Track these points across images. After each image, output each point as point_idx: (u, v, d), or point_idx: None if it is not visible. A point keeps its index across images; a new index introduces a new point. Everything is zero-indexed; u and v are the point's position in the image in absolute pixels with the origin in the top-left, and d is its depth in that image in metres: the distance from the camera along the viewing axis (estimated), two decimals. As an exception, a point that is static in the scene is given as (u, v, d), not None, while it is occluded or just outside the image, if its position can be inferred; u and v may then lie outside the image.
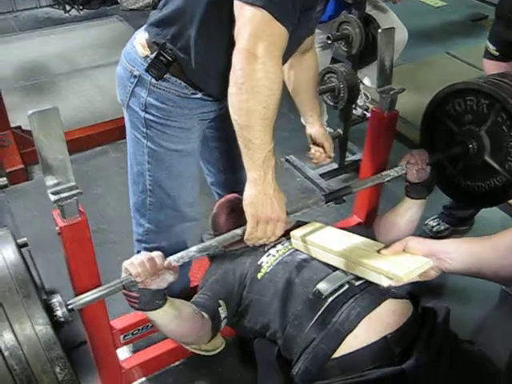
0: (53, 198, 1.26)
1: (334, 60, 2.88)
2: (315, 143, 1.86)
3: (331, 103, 2.65)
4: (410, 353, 1.28)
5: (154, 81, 1.47)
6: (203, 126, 1.63)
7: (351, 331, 1.31)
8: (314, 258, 1.52)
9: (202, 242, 1.85)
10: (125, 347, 1.91)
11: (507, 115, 1.61)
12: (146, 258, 1.19)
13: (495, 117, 1.65)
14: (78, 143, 3.02)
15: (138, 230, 1.75)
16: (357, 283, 1.41)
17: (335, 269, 1.46)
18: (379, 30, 1.75)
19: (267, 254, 1.58)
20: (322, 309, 1.37)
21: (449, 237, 2.53)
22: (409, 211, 1.74)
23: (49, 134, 1.23)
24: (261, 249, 1.61)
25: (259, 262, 1.57)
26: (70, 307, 1.16)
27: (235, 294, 1.56)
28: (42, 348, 1.01)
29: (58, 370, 1.02)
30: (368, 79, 2.93)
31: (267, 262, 1.55)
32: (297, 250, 1.58)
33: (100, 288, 1.20)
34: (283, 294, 1.45)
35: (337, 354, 1.31)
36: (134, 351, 1.94)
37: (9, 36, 4.65)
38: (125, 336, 1.68)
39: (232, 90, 1.24)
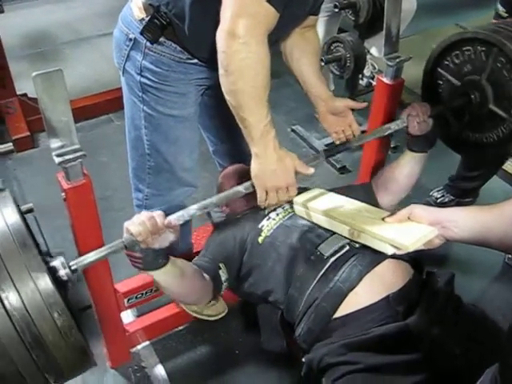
0: (57, 160, 1.27)
1: (340, 30, 2.87)
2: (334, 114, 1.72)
3: (337, 73, 2.63)
4: (413, 311, 1.29)
5: (148, 44, 1.47)
6: (200, 91, 1.62)
7: (352, 289, 1.33)
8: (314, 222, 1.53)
9: (209, 216, 1.89)
10: (129, 311, 1.95)
11: (506, 58, 1.58)
12: (147, 218, 1.20)
13: (494, 62, 1.61)
14: (82, 111, 3.01)
15: (138, 196, 1.76)
16: (357, 245, 1.42)
17: (334, 232, 1.47)
18: (386, -4, 1.72)
19: (267, 217, 1.59)
20: (324, 269, 1.38)
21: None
22: (409, 165, 1.72)
23: (53, 96, 1.23)
24: (261, 212, 1.61)
25: (259, 226, 1.57)
26: (72, 268, 1.17)
27: (235, 258, 1.56)
28: (41, 295, 1.03)
29: (56, 315, 1.04)
30: (375, 49, 2.89)
31: (267, 226, 1.55)
32: (295, 215, 1.58)
33: (102, 248, 1.21)
34: (284, 258, 1.46)
35: (339, 314, 1.32)
36: (138, 315, 1.98)
37: (13, 4, 4.60)
38: (129, 299, 1.70)
39: (220, 71, 1.26)
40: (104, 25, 4.29)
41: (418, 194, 2.63)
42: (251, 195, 1.41)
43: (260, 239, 1.54)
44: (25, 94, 3.02)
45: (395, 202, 1.76)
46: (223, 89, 1.28)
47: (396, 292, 1.33)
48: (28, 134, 2.87)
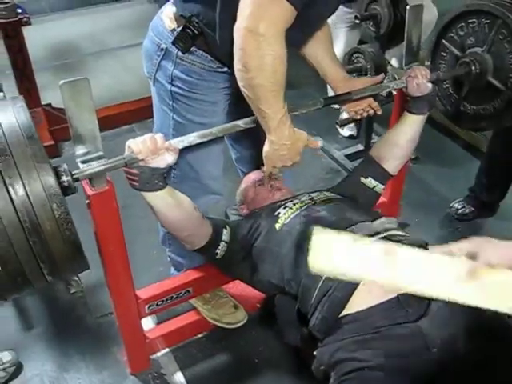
0: (82, 166, 1.30)
1: (361, 42, 2.87)
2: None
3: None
4: (424, 311, 1.27)
5: (180, 54, 1.50)
6: (228, 100, 1.64)
7: None
8: (329, 213, 1.54)
9: (227, 216, 1.91)
10: (149, 318, 1.96)
11: (508, 31, 1.62)
12: (148, 137, 1.27)
13: (496, 35, 1.66)
14: (105, 121, 3.02)
15: None
16: (372, 239, 1.41)
17: (351, 224, 1.47)
18: (408, 7, 1.73)
19: (284, 206, 1.61)
20: None
21: (473, 220, 2.52)
22: (410, 129, 1.75)
23: (79, 104, 1.27)
24: (278, 203, 1.65)
25: (276, 213, 1.59)
26: (74, 176, 1.22)
27: (245, 235, 1.59)
28: (42, 185, 1.09)
29: (54, 206, 1.10)
30: (396, 60, 2.91)
31: (284, 214, 1.57)
32: (313, 205, 1.59)
33: (103, 161, 1.27)
34: (299, 247, 1.47)
35: (351, 310, 1.32)
36: (159, 322, 1.99)
37: (40, 17, 4.70)
38: (149, 306, 1.71)
39: (237, 66, 1.29)
40: (128, 36, 4.37)
41: (438, 205, 2.64)
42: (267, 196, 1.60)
43: (277, 226, 1.55)
44: (49, 104, 3.07)
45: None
46: (240, 83, 1.33)
47: (406, 293, 1.32)
48: (52, 143, 2.92)
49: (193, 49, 1.49)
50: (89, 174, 1.26)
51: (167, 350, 1.95)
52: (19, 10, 2.73)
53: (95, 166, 1.27)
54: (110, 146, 3.01)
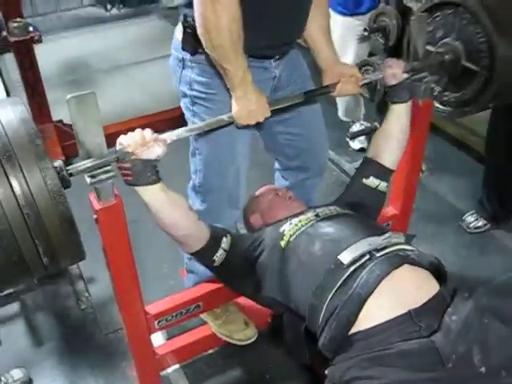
0: (89, 180, 1.29)
1: (370, 54, 2.87)
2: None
3: (368, 96, 2.62)
4: (437, 325, 1.25)
5: (191, 57, 1.58)
6: None
7: (371, 293, 1.29)
8: (335, 229, 1.52)
9: (237, 231, 1.90)
10: (159, 334, 1.94)
11: (469, 13, 1.70)
12: (137, 131, 1.35)
13: (460, 21, 1.74)
14: (115, 136, 3.06)
15: None
16: (378, 254, 1.39)
17: (357, 240, 1.44)
18: (412, 17, 1.73)
19: (289, 222, 1.60)
20: (343, 277, 1.35)
21: (486, 233, 2.50)
22: (396, 119, 1.76)
23: (86, 117, 1.27)
24: (283, 220, 1.63)
25: (281, 230, 1.57)
26: (69, 172, 1.25)
27: (247, 248, 1.59)
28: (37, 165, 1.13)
29: (48, 180, 1.13)
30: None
31: (290, 230, 1.55)
32: (319, 222, 1.57)
33: (94, 158, 1.28)
34: (305, 266, 1.45)
35: (361, 327, 1.29)
36: (169, 338, 1.97)
37: (53, 35, 4.76)
38: (159, 321, 1.69)
39: (199, 31, 1.43)
40: (138, 53, 4.42)
41: (450, 218, 2.61)
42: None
43: (283, 243, 1.53)
44: (60, 120, 3.10)
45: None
46: (205, 47, 1.45)
47: (418, 308, 1.29)
48: (63, 158, 2.93)
49: (200, 49, 1.52)
50: (82, 169, 1.27)
51: (177, 366, 1.93)
52: (31, 28, 2.76)
53: (88, 162, 1.28)
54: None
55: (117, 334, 2.06)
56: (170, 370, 1.92)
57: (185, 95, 1.66)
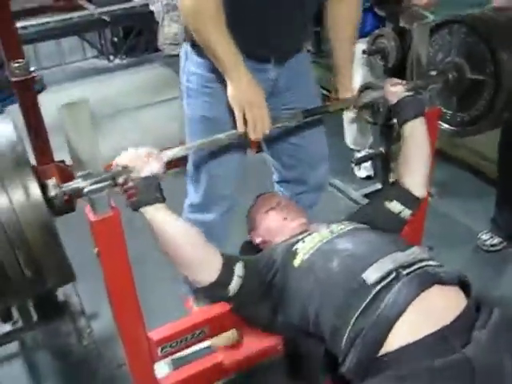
0: (84, 190, 1.25)
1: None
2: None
3: (370, 120, 2.59)
4: (468, 340, 1.17)
5: (191, 48, 1.64)
6: None
7: (400, 315, 1.21)
8: (354, 245, 1.43)
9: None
10: (165, 365, 1.84)
11: (465, 27, 1.76)
12: (130, 149, 1.36)
13: (457, 37, 1.79)
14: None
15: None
16: (405, 272, 1.31)
17: (379, 257, 1.36)
18: (414, 24, 1.71)
19: (302, 240, 1.51)
20: (369, 297, 1.26)
21: (504, 250, 2.41)
22: (410, 138, 1.65)
23: (78, 126, 1.24)
24: (295, 239, 1.54)
25: (294, 248, 1.49)
26: (62, 189, 1.25)
27: (261, 271, 1.49)
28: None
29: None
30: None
31: (303, 248, 1.47)
32: (335, 238, 1.48)
33: (90, 178, 1.25)
34: (324, 284, 1.36)
35: (390, 348, 1.20)
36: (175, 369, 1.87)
37: (56, 86, 4.83)
38: (163, 348, 1.60)
39: (182, 19, 1.58)
40: (142, 98, 4.47)
41: (465, 239, 2.52)
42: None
43: (295, 263, 1.44)
44: (62, 161, 3.08)
45: (425, 180, 1.67)
46: (191, 29, 1.50)
47: (449, 325, 1.21)
48: (66, 198, 2.89)
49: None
50: (76, 188, 1.25)
51: (185, 399, 1.81)
52: (32, 69, 2.78)
53: (80, 182, 1.25)
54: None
55: (121, 370, 1.96)
56: (176, 403, 1.80)
57: (184, 88, 1.71)
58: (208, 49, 1.49)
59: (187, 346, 1.67)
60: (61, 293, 2.26)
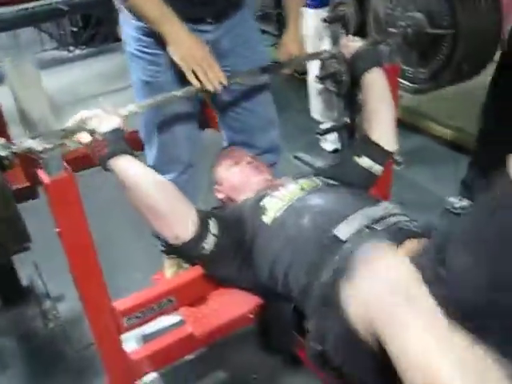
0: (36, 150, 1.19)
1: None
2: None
3: (334, 89, 2.57)
4: None
5: (127, 11, 1.61)
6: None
7: None
8: (326, 202, 1.40)
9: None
10: (133, 339, 1.79)
11: None
12: (84, 111, 1.35)
13: None
14: (81, 161, 2.97)
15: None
16: (376, 226, 1.28)
17: (350, 213, 1.32)
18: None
19: (270, 195, 1.47)
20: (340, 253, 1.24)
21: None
22: (370, 89, 1.64)
23: (25, 83, 1.19)
24: (261, 194, 1.50)
25: (261, 204, 1.45)
26: (12, 149, 1.20)
27: (233, 228, 1.44)
28: None
29: None
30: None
31: (275, 204, 1.43)
32: (306, 195, 1.44)
33: (42, 138, 1.21)
34: (295, 241, 1.33)
35: None
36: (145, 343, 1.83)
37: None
38: (129, 319, 1.55)
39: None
40: (101, 85, 4.43)
41: (434, 203, 2.52)
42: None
43: (266, 219, 1.40)
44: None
45: (393, 133, 1.65)
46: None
47: None
48: (28, 184, 2.81)
49: None
50: (22, 148, 1.20)
51: (155, 374, 1.77)
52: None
53: (34, 142, 1.21)
54: (88, 182, 2.96)
55: (89, 350, 1.89)
56: (147, 378, 1.75)
57: (126, 51, 1.68)
58: (136, 9, 1.51)
59: (155, 316, 1.62)
60: (24, 277, 2.19)
